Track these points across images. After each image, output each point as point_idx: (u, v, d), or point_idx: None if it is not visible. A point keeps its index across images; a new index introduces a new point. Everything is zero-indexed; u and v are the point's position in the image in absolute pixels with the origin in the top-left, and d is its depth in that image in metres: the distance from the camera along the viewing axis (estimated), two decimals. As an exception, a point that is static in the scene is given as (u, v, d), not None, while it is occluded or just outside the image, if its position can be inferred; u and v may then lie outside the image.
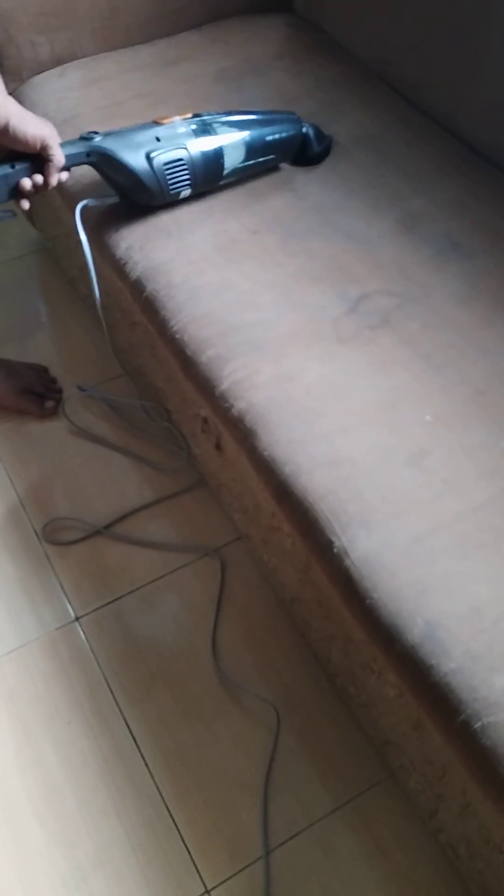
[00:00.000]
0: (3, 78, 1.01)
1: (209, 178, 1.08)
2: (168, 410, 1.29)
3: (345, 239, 1.07)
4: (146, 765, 1.04)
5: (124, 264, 1.06)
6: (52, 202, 1.32)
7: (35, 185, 0.96)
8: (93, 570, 1.21)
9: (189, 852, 0.98)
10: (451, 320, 0.98)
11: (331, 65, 1.33)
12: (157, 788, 1.02)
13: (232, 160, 1.08)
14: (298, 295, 1.00)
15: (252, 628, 1.16)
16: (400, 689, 0.84)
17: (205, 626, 1.15)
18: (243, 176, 1.13)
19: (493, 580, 0.77)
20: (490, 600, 0.75)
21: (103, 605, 1.18)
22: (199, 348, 0.97)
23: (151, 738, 1.06)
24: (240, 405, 0.91)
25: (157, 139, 1.02)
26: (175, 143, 1.03)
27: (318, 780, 1.03)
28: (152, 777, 1.03)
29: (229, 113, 1.09)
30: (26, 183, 0.95)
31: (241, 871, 0.97)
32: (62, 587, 1.20)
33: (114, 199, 1.08)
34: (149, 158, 1.01)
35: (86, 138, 1.00)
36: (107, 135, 1.01)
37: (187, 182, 1.06)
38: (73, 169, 1.00)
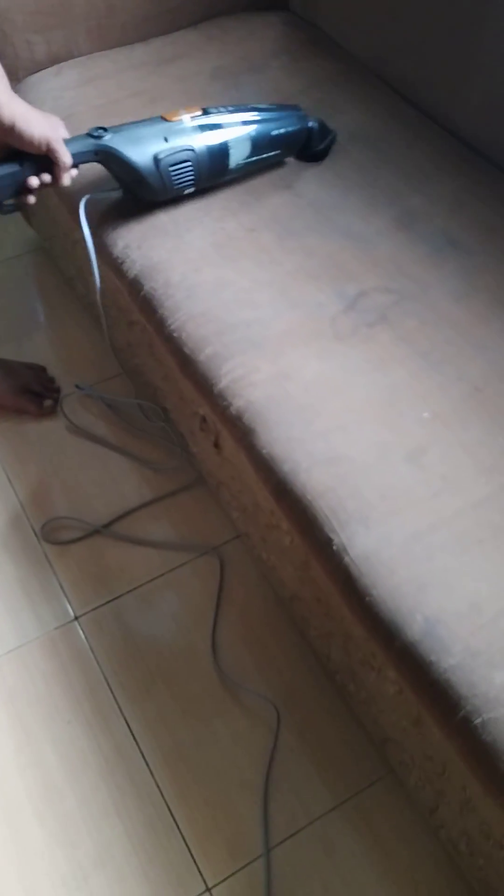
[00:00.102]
0: (1, 78, 1.01)
1: (214, 174, 1.08)
2: (166, 409, 1.29)
3: (342, 237, 1.06)
4: (146, 764, 1.04)
5: (122, 263, 1.06)
6: (48, 202, 1.32)
7: (42, 183, 0.96)
8: (92, 569, 1.21)
9: (189, 851, 0.98)
10: (448, 317, 0.98)
11: (328, 63, 1.33)
12: (158, 787, 1.02)
13: (237, 156, 1.07)
14: (296, 293, 1.00)
15: (251, 626, 1.16)
16: (399, 685, 0.84)
17: (204, 624, 1.15)
18: (249, 171, 1.12)
19: (492, 576, 0.77)
20: (489, 596, 0.75)
21: (102, 605, 1.18)
22: (196, 347, 0.97)
23: (151, 737, 1.06)
24: (238, 403, 0.91)
25: (165, 139, 1.02)
26: (183, 144, 1.02)
27: (319, 777, 1.03)
28: (152, 776, 1.03)
29: (236, 108, 1.08)
30: (33, 181, 0.95)
31: (241, 869, 0.97)
32: (61, 586, 1.19)
33: (117, 193, 1.08)
34: (156, 160, 1.01)
35: (93, 136, 1.00)
36: (115, 133, 1.01)
37: (192, 180, 1.06)
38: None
